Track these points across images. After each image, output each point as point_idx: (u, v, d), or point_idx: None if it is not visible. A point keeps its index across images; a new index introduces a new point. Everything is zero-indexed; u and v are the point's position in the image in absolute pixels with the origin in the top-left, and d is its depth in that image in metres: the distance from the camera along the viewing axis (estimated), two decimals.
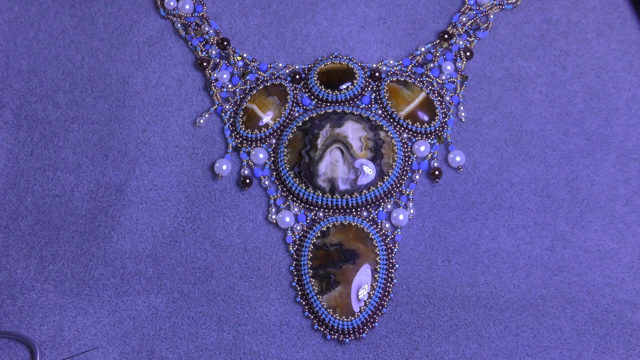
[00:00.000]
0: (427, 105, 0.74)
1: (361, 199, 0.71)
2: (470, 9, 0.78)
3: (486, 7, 0.78)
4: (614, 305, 0.70)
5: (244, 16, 0.78)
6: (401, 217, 0.71)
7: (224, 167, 0.72)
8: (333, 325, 0.69)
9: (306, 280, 0.70)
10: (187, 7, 0.77)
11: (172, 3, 0.77)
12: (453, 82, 0.76)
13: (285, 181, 0.72)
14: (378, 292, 0.69)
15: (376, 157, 0.71)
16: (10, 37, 0.77)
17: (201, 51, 0.76)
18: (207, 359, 0.68)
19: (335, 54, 0.76)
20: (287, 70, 0.76)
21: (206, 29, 0.77)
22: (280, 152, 0.73)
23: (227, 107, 0.75)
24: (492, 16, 0.78)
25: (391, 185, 0.71)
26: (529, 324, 0.69)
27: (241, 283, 0.70)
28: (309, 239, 0.70)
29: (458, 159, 0.73)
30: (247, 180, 0.72)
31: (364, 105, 0.74)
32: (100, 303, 0.70)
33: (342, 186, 0.71)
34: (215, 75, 0.75)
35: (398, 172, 0.72)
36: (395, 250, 0.71)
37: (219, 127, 0.75)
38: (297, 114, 0.74)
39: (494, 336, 0.69)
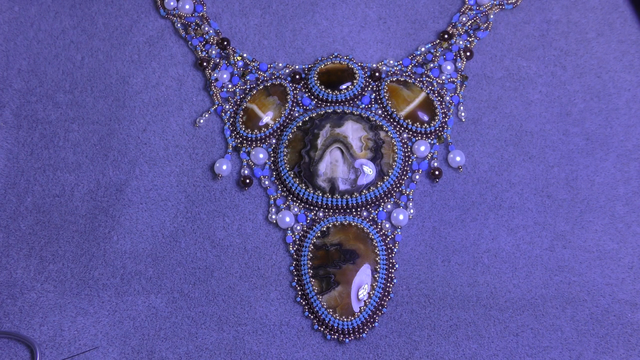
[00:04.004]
0: (427, 105, 0.74)
1: (361, 199, 0.71)
2: (470, 9, 0.78)
3: (486, 7, 0.78)
4: (614, 305, 0.70)
5: (244, 16, 0.78)
6: (401, 217, 0.71)
7: (224, 167, 0.72)
8: (333, 325, 0.69)
9: (306, 280, 0.70)
10: (187, 7, 0.77)
11: (172, 3, 0.77)
12: (453, 82, 0.76)
13: (285, 181, 0.72)
14: (378, 292, 0.69)
15: (376, 157, 0.71)
16: (10, 37, 0.77)
17: (201, 51, 0.76)
18: (207, 359, 0.68)
19: (335, 54, 0.76)
20: (287, 70, 0.76)
21: (206, 29, 0.77)
22: (280, 152, 0.73)
23: (227, 107, 0.75)
24: (492, 16, 0.78)
25: (391, 185, 0.71)
26: (529, 324, 0.69)
27: (241, 283, 0.70)
28: (309, 239, 0.70)
29: (458, 159, 0.73)
30: (247, 180, 0.72)
31: (364, 105, 0.74)
32: (100, 303, 0.70)
33: (342, 186, 0.71)
34: (215, 75, 0.75)
35: (398, 172, 0.72)
36: (395, 250, 0.71)
37: (219, 127, 0.75)
38: (297, 114, 0.74)
39: (494, 336, 0.69)
